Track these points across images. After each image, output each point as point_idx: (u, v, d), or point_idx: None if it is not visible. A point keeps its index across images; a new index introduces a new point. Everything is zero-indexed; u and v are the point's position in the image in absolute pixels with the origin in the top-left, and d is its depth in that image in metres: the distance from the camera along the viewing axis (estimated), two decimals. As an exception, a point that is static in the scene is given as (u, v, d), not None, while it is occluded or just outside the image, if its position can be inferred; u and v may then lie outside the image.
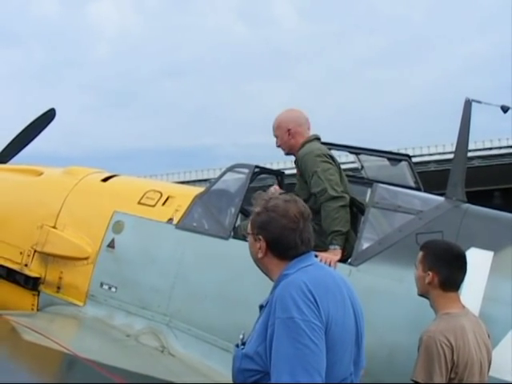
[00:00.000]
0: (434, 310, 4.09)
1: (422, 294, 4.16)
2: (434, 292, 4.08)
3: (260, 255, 3.34)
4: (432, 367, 3.76)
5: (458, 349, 3.78)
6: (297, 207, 3.30)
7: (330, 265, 4.94)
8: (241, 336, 3.30)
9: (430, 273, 4.06)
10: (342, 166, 5.79)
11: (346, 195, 5.32)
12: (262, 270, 3.44)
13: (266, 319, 3.10)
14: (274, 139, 5.86)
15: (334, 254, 5.09)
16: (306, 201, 5.48)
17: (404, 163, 6.17)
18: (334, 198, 5.22)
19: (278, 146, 5.88)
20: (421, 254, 4.17)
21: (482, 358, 3.89)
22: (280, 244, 3.26)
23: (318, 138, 5.81)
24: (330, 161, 5.50)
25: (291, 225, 3.24)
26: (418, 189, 5.95)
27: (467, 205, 5.10)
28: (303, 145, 5.67)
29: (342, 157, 11.47)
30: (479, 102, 5.23)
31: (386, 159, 6.20)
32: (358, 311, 3.29)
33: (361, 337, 3.26)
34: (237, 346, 3.27)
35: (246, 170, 5.72)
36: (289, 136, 5.73)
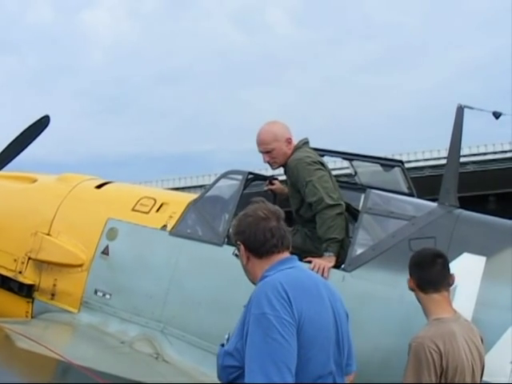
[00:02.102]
0: (426, 316, 4.13)
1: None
2: (418, 296, 4.20)
3: (245, 261, 3.53)
4: (421, 373, 3.81)
5: (447, 354, 3.82)
6: (266, 207, 3.52)
7: (323, 270, 4.97)
8: (226, 336, 3.43)
9: (410, 278, 4.22)
10: (335, 172, 5.82)
11: (342, 202, 5.33)
12: (250, 280, 3.60)
13: (244, 317, 3.25)
14: (262, 155, 5.73)
15: (329, 260, 5.09)
16: (298, 209, 5.52)
17: (397, 169, 6.18)
18: (331, 206, 5.21)
19: (268, 161, 5.75)
20: None
21: (473, 363, 3.91)
22: (253, 241, 3.44)
23: (306, 143, 5.79)
24: (323, 167, 5.49)
25: (259, 220, 3.44)
26: (411, 194, 5.96)
27: (460, 210, 5.12)
28: (293, 152, 5.64)
29: (336, 163, 11.51)
30: (471, 107, 5.26)
31: (379, 165, 6.20)
32: (340, 314, 3.45)
33: (342, 338, 3.40)
34: (222, 345, 3.41)
35: (240, 177, 5.72)
36: (288, 146, 5.66)
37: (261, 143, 5.72)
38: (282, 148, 5.66)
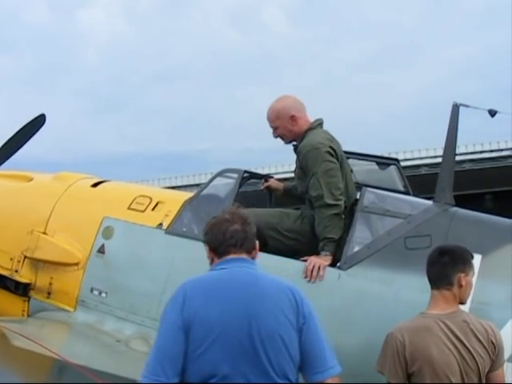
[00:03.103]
0: None
1: None
2: None
3: (210, 261, 3.67)
4: (385, 360, 3.98)
5: (413, 347, 3.90)
6: (233, 211, 3.69)
7: (319, 269, 4.98)
8: None
9: None
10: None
11: (341, 202, 5.26)
12: None
13: None
14: (271, 130, 5.77)
15: (325, 259, 5.10)
16: (305, 192, 5.47)
17: (393, 167, 6.20)
18: (329, 206, 5.19)
19: (277, 137, 5.78)
20: None
21: (461, 363, 3.90)
22: (213, 241, 3.59)
23: (321, 124, 5.74)
24: (333, 159, 5.39)
25: (222, 222, 3.59)
26: (406, 193, 5.98)
27: (455, 208, 5.13)
28: (306, 132, 5.61)
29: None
30: (467, 105, 5.26)
31: (374, 163, 6.22)
32: (259, 317, 3.34)
33: (261, 341, 3.29)
34: None
35: (235, 175, 5.73)
36: (292, 123, 5.64)
37: (267, 119, 5.77)
38: (286, 126, 5.67)
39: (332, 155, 5.41)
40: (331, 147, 5.44)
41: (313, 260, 5.06)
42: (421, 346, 3.90)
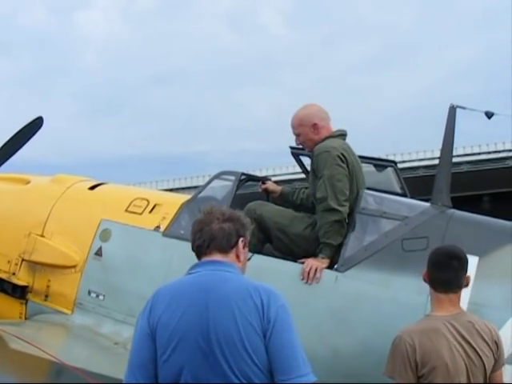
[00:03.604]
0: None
1: None
2: (430, 292, 4.20)
3: None
4: (395, 364, 3.93)
5: (423, 350, 3.88)
6: (211, 210, 3.58)
7: (316, 270, 4.98)
8: None
9: (426, 270, 4.19)
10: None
11: (345, 208, 5.20)
12: None
13: None
14: (294, 137, 5.77)
15: (322, 261, 5.09)
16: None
17: (390, 169, 6.20)
18: (331, 210, 5.15)
19: (300, 144, 5.79)
20: None
21: (468, 363, 3.90)
22: (191, 242, 3.59)
23: (343, 134, 5.72)
24: (342, 164, 5.33)
25: (197, 223, 3.57)
26: (403, 195, 5.98)
27: (452, 210, 5.13)
28: (324, 139, 5.56)
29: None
30: (463, 107, 5.27)
31: (372, 165, 6.21)
32: (218, 319, 3.20)
33: (219, 344, 3.16)
34: None
35: (233, 177, 5.72)
36: (314, 131, 5.62)
37: (291, 126, 5.76)
38: (308, 134, 5.64)
39: (342, 161, 5.36)
40: (343, 154, 5.39)
41: (310, 262, 5.06)
42: (431, 348, 3.89)
